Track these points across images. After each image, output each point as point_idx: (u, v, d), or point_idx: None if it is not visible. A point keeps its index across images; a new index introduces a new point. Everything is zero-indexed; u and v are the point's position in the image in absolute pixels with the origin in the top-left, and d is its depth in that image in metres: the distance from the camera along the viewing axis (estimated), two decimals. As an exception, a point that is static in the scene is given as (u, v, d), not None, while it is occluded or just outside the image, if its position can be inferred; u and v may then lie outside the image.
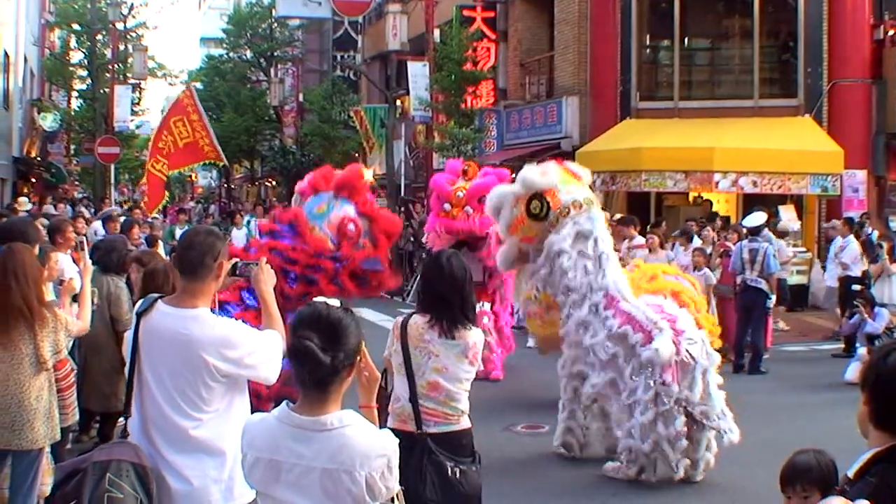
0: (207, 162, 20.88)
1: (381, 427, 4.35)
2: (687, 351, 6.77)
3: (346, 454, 2.70)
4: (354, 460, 2.69)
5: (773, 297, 12.00)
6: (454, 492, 4.27)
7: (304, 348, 2.70)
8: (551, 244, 7.30)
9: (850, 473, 2.31)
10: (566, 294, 7.31)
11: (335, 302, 2.86)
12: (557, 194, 7.36)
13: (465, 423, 4.46)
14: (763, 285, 11.67)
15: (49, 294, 5.94)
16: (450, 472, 4.26)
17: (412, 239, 20.58)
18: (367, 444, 2.73)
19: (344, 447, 2.70)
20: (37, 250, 6.06)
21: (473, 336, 4.42)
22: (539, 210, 7.33)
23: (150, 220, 18.42)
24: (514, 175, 25.48)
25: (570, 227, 7.28)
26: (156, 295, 3.82)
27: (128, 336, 3.77)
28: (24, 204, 19.55)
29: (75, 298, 7.43)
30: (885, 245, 12.72)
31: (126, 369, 3.73)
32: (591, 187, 20.26)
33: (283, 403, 2.83)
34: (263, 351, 3.69)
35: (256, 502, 3.83)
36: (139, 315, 3.70)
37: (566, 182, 7.51)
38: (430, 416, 4.36)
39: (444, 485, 4.24)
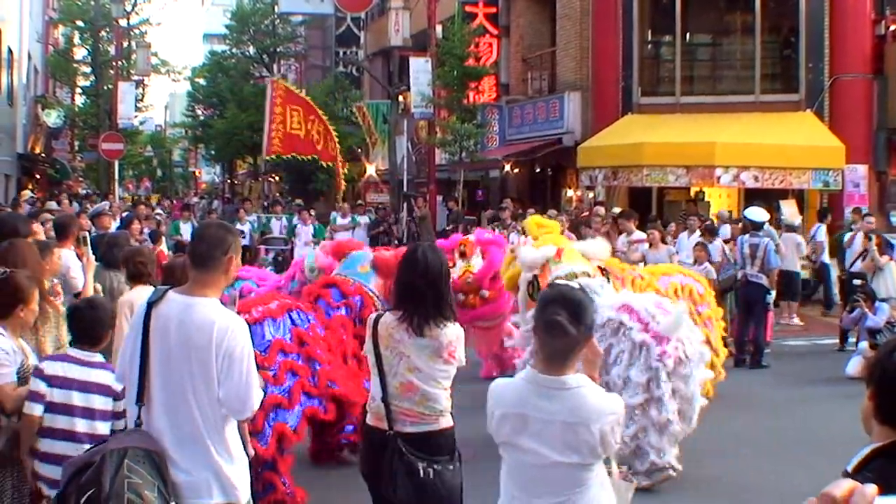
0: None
1: (361, 423, 4.42)
2: (683, 349, 6.73)
3: (583, 410, 3.21)
4: (591, 415, 3.20)
5: (774, 293, 12.03)
6: (427, 492, 4.13)
7: (557, 322, 3.21)
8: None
9: (850, 468, 2.27)
10: None
11: (575, 283, 3.24)
12: (547, 272, 7.52)
13: (444, 422, 4.26)
14: (763, 280, 11.69)
15: None
16: (422, 472, 4.11)
17: (414, 234, 20.63)
18: (600, 402, 3.26)
19: (581, 404, 3.22)
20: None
21: (449, 334, 4.20)
22: (533, 291, 7.54)
23: (154, 215, 18.53)
24: (517, 171, 25.40)
25: None
26: (166, 286, 3.90)
27: (136, 325, 3.81)
28: (26, 195, 19.65)
29: (77, 295, 7.50)
30: (874, 239, 12.71)
31: (135, 359, 3.77)
32: (592, 182, 19.98)
33: (528, 367, 3.43)
34: (255, 372, 3.74)
35: (251, 501, 3.90)
36: (150, 304, 3.76)
37: (559, 260, 7.62)
38: (405, 415, 4.19)
39: (417, 485, 4.11)
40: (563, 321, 3.19)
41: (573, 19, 21.70)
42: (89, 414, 4.48)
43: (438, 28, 24.31)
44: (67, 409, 4.46)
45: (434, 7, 24.06)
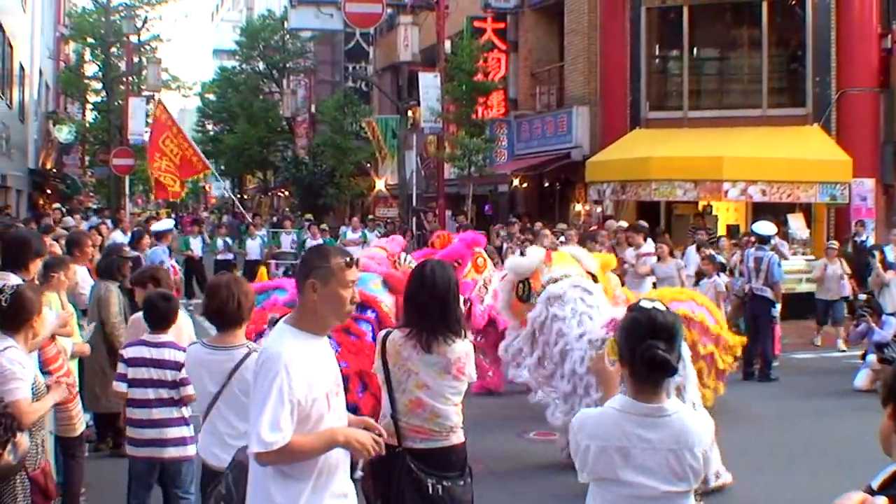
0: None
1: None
2: None
3: (686, 435, 3.08)
4: (693, 439, 3.09)
5: (779, 306, 12.05)
6: None
7: (661, 359, 3.03)
8: (530, 319, 7.66)
9: (875, 485, 2.23)
10: (551, 356, 7.59)
11: (658, 304, 3.17)
12: (539, 275, 7.75)
13: (455, 438, 4.24)
14: (768, 293, 11.73)
15: (55, 304, 6.05)
16: (430, 488, 4.09)
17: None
18: (697, 424, 3.14)
19: (683, 430, 3.09)
20: (40, 263, 6.17)
21: (458, 350, 4.17)
22: (522, 291, 7.76)
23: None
24: (525, 186, 25.38)
25: (542, 296, 7.61)
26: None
27: None
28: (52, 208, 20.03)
29: (84, 312, 7.58)
30: (877, 255, 12.68)
31: None
32: (601, 196, 19.88)
33: (620, 396, 3.17)
34: (270, 410, 3.19)
35: None
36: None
37: (551, 264, 7.82)
38: (415, 432, 4.19)
39: (425, 501, 4.09)
40: (668, 357, 3.03)
41: (581, 34, 21.80)
42: (160, 384, 5.39)
43: (447, 43, 24.45)
44: (142, 383, 5.43)
45: (443, 23, 24.22)
